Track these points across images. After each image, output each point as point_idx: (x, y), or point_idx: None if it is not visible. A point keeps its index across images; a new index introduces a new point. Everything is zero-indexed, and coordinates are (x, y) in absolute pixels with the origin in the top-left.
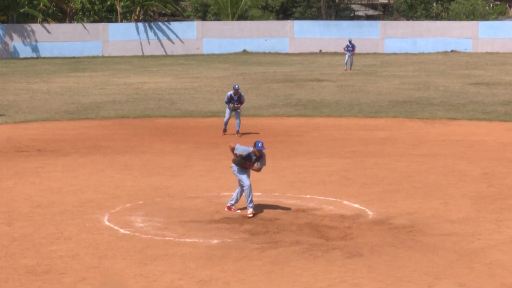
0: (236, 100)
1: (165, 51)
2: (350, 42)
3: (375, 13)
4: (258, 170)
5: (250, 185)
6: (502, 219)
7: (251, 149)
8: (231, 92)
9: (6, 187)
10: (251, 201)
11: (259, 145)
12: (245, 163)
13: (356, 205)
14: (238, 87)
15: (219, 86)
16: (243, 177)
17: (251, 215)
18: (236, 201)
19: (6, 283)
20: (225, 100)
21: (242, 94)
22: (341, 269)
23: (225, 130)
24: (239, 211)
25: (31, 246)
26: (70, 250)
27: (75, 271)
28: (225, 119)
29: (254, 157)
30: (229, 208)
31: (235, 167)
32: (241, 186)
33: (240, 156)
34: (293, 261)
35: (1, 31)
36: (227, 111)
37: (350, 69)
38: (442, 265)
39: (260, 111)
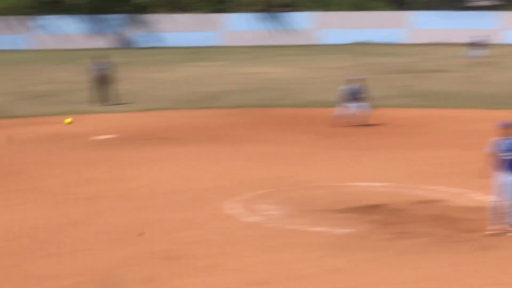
0: (357, 93)
1: (284, 41)
2: (475, 41)
3: (494, 3)
4: None
5: None
6: None
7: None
8: (352, 86)
9: (131, 175)
10: None
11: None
12: None
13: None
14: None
15: (338, 75)
16: None
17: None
18: None
19: (140, 267)
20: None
21: (363, 87)
22: (470, 262)
23: (337, 124)
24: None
25: (162, 232)
26: (199, 236)
27: (204, 257)
28: (348, 113)
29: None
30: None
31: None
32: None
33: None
34: (421, 253)
35: (120, 22)
36: (352, 105)
37: (478, 60)
38: None
39: (380, 102)
